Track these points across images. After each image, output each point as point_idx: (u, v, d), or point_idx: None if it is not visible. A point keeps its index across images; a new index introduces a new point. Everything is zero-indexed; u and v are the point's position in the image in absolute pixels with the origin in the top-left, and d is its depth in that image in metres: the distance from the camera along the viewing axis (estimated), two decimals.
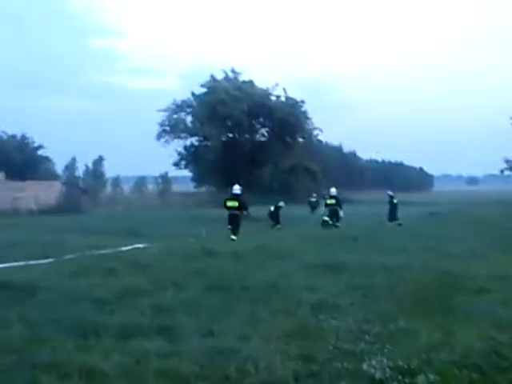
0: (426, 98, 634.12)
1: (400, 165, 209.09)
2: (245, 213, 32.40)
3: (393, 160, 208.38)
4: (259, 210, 54.47)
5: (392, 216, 43.09)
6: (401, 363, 8.15)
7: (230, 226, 30.84)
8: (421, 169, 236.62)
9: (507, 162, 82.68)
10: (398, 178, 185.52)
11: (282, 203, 44.22)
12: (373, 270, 17.09)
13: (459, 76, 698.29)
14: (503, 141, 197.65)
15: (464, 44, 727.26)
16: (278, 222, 43.27)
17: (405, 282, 15.17)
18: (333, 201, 40.38)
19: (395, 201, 44.41)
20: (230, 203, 31.63)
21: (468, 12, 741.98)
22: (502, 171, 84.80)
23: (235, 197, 32.01)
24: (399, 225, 40.27)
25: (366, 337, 9.65)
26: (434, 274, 16.70)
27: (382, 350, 8.84)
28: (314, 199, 63.55)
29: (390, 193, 45.69)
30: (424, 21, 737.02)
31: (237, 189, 32.43)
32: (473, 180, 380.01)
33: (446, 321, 10.81)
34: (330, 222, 39.57)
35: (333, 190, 40.90)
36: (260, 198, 74.53)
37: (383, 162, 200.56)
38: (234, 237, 29.77)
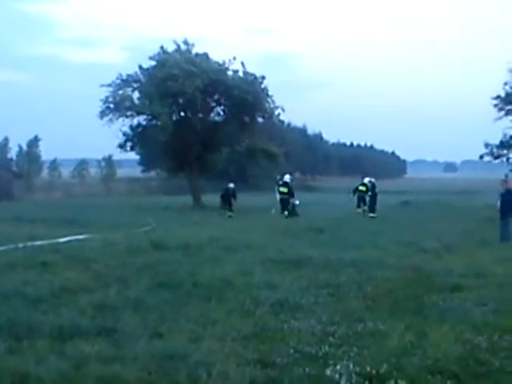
0: (400, 78, 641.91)
1: (370, 149, 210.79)
2: (291, 199, 41.78)
3: (362, 143, 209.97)
4: (213, 198, 54.48)
5: (373, 206, 43.12)
6: (369, 368, 8.19)
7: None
8: (393, 153, 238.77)
9: (487, 146, 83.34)
10: (367, 162, 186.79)
11: (297, 201, 43.79)
12: (340, 266, 17.20)
13: (436, 54, 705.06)
14: (483, 124, 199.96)
15: (440, 23, 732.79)
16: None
17: (374, 279, 15.28)
18: (285, 189, 42.21)
19: (377, 190, 44.44)
20: (282, 189, 41.69)
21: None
22: (481, 157, 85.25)
23: (285, 184, 41.97)
24: (371, 217, 40.50)
25: (331, 339, 9.70)
26: (406, 271, 16.86)
27: (349, 354, 8.89)
28: None
29: (373, 180, 45.58)
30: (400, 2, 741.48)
31: (287, 178, 42.74)
32: (450, 166, 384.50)
33: (419, 321, 10.92)
34: (286, 213, 40.99)
35: (287, 177, 42.13)
36: (215, 183, 74.57)
37: (352, 145, 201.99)
38: (286, 213, 40.46)
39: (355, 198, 45.20)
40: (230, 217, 42.55)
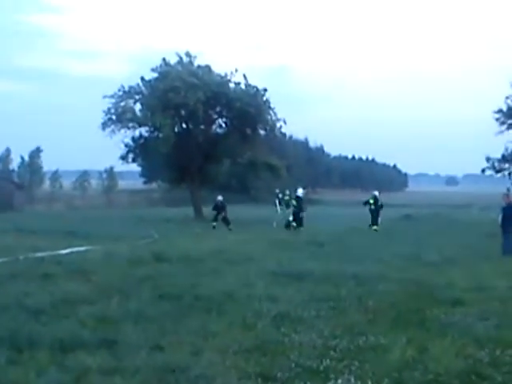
0: (402, 92, 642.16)
1: (371, 162, 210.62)
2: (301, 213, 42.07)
3: (364, 157, 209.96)
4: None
5: (375, 220, 42.97)
6: (370, 383, 8.19)
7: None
8: (394, 166, 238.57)
9: (488, 160, 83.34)
10: (369, 176, 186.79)
11: (303, 214, 43.80)
12: (341, 280, 17.15)
13: (438, 66, 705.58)
14: (484, 138, 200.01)
15: (442, 33, 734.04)
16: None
17: (376, 293, 15.24)
18: (295, 202, 42.73)
19: (380, 203, 44.31)
20: (293, 202, 42.89)
21: (444, 12, 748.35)
22: (483, 170, 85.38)
23: (297, 198, 42.81)
24: (374, 230, 40.43)
25: (332, 353, 9.68)
26: (407, 284, 16.83)
27: (350, 368, 8.87)
28: (287, 197, 63.64)
29: (376, 193, 45.54)
30: (399, 12, 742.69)
31: (300, 192, 43.24)
32: (452, 180, 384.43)
33: (421, 335, 10.88)
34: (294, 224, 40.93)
35: (300, 191, 42.61)
36: (216, 195, 74.64)
37: (353, 158, 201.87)
38: (293, 224, 41.19)
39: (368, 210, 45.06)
40: (229, 229, 42.73)
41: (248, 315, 12.20)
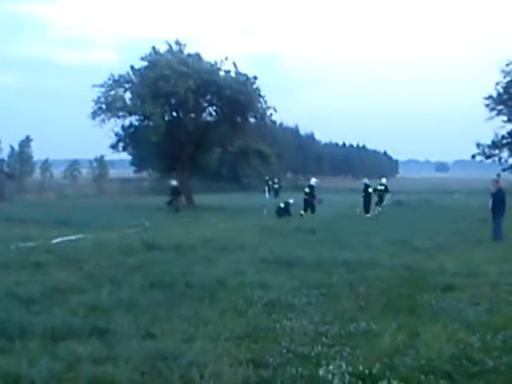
0: (392, 79, 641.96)
1: (362, 148, 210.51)
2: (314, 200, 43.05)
3: (354, 143, 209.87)
4: (206, 198, 54.43)
5: (367, 207, 43.26)
6: (361, 368, 8.20)
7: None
8: (385, 153, 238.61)
9: (479, 146, 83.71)
10: (359, 163, 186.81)
11: (291, 200, 44.17)
12: (332, 266, 17.22)
13: (428, 52, 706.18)
14: (475, 124, 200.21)
15: (431, 20, 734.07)
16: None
17: (367, 279, 15.30)
18: (308, 190, 43.50)
19: (370, 190, 44.55)
20: (306, 189, 43.38)
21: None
22: (473, 156, 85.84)
23: (310, 186, 43.51)
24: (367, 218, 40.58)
25: (324, 339, 9.72)
26: (398, 270, 16.89)
27: (341, 354, 8.91)
28: (276, 185, 63.77)
29: (366, 181, 45.82)
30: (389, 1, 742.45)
31: (313, 181, 44.44)
32: (442, 166, 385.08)
33: (412, 321, 10.93)
34: (303, 213, 41.71)
35: (313, 180, 44.93)
36: (208, 184, 74.35)
37: (344, 145, 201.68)
38: (302, 212, 41.51)
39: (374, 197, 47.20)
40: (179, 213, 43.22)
41: (239, 302, 12.23)
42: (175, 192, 46.63)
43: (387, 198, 48.44)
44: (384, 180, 50.05)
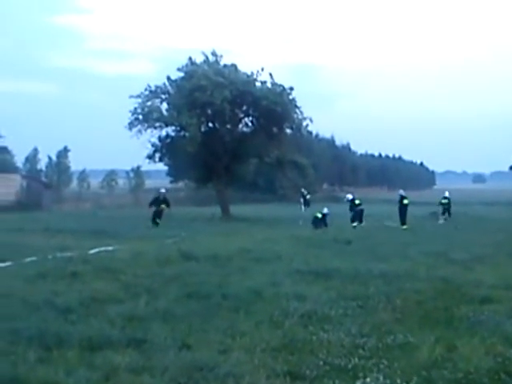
0: (428, 89, 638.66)
1: (398, 160, 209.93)
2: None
3: (390, 154, 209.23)
4: (242, 209, 54.47)
5: (403, 219, 42.93)
6: (399, 381, 8.15)
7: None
8: (421, 164, 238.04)
9: None
10: (395, 174, 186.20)
11: (326, 209, 44.24)
12: (368, 278, 17.11)
13: (466, 63, 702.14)
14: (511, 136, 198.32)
15: (469, 36, 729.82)
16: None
17: (404, 291, 15.18)
18: (359, 201, 44.82)
19: (406, 201, 44.23)
20: (357, 201, 44.21)
21: (473, 9, 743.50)
22: (510, 168, 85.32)
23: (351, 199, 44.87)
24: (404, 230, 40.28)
25: (361, 351, 9.66)
26: (435, 282, 16.74)
27: (378, 366, 8.85)
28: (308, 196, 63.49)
29: (402, 192, 45.62)
30: (425, 8, 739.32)
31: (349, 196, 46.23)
32: (479, 177, 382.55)
33: (449, 334, 10.83)
34: (355, 224, 42.22)
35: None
36: (244, 194, 74.46)
37: (380, 156, 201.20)
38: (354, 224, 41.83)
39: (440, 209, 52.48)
40: (156, 224, 41.60)
41: (275, 314, 12.19)
42: (163, 200, 44.10)
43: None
44: (447, 193, 53.35)
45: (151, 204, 44.16)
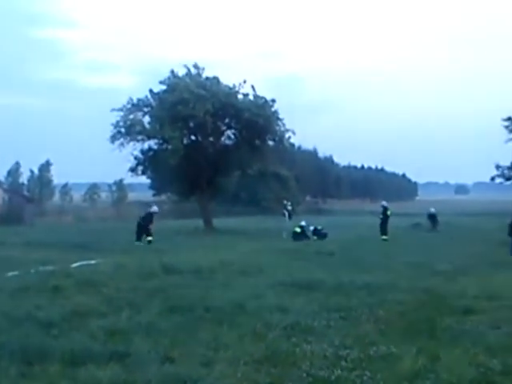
0: (410, 101, 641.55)
1: (381, 171, 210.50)
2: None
3: (373, 166, 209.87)
4: (226, 221, 54.39)
5: (384, 229, 43.02)
6: None
7: None
8: (404, 175, 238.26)
9: (498, 168, 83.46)
10: (378, 185, 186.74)
11: (303, 222, 44.41)
12: (351, 290, 17.16)
13: (446, 74, 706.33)
14: (493, 146, 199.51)
15: (450, 46, 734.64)
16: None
17: (387, 303, 15.23)
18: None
19: (389, 213, 44.39)
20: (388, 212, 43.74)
21: (455, 14, 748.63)
22: (492, 178, 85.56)
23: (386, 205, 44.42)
24: (384, 240, 40.37)
25: (343, 363, 9.66)
26: (418, 294, 16.80)
27: (362, 378, 8.85)
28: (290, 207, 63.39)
29: (385, 203, 45.74)
30: (408, 19, 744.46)
31: (384, 203, 45.11)
32: (462, 188, 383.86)
33: (432, 344, 10.85)
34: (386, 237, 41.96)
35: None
36: (227, 207, 74.33)
37: (362, 168, 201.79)
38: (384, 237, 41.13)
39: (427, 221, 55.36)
40: (149, 242, 39.71)
41: (258, 326, 12.19)
42: (150, 221, 41.90)
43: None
44: (433, 210, 55.93)
45: (150, 221, 41.74)
